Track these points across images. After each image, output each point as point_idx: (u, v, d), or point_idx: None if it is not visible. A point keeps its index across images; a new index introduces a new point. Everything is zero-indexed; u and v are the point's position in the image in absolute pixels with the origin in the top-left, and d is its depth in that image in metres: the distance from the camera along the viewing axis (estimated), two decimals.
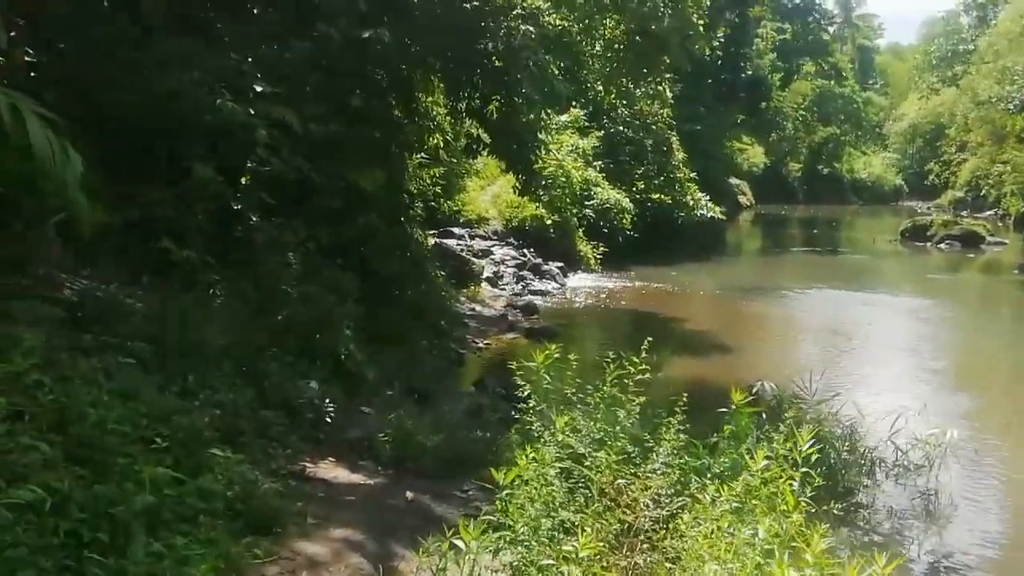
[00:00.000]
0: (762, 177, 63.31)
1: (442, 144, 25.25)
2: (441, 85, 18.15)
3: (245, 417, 7.28)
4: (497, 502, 5.95)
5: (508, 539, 5.16)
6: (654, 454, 5.65)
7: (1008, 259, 34.48)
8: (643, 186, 28.66)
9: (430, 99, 21.36)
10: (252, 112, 10.01)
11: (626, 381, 7.15)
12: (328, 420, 8.51)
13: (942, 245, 36.28)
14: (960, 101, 62.08)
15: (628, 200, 27.32)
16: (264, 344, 8.78)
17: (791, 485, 4.64)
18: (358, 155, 12.92)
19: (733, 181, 52.92)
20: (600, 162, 28.26)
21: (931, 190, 70.81)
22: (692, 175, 31.13)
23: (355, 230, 12.37)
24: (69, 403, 5.26)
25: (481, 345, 14.94)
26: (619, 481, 5.28)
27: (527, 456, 6.13)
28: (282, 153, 10.67)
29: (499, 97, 14.40)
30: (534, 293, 20.54)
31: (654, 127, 29.56)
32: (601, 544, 4.79)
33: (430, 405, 10.28)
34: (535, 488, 5.49)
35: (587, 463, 5.69)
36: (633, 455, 5.79)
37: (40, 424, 5.09)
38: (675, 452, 5.71)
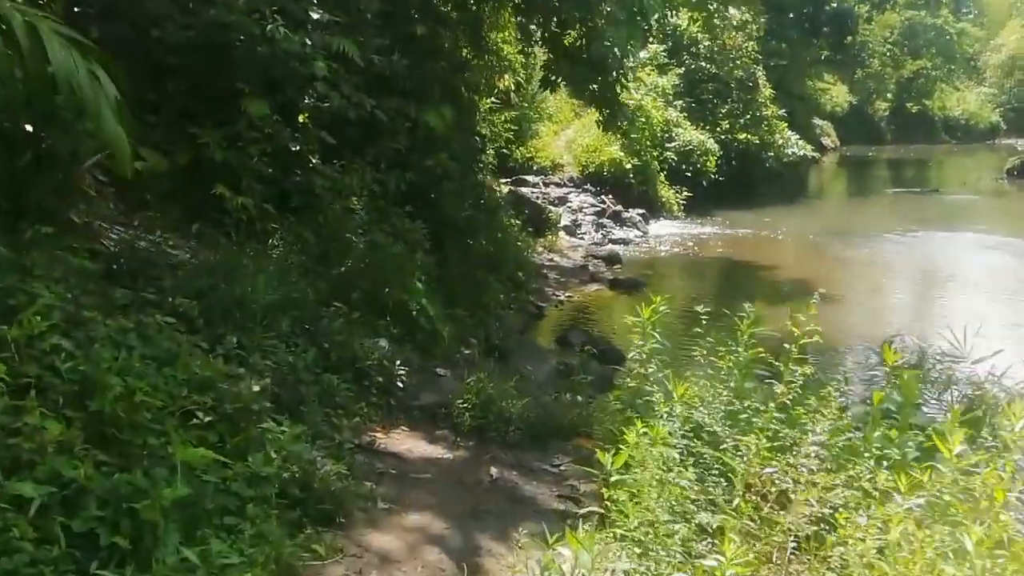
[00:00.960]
0: (846, 117, 60.73)
1: (513, 87, 24.27)
2: (513, 19, 17.10)
3: (305, 382, 6.41)
4: (603, 488, 5.01)
5: (624, 543, 4.21)
6: (804, 433, 4.56)
7: None
8: (727, 126, 27.10)
9: (500, 36, 20.36)
10: (308, 43, 9.08)
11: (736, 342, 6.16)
12: (400, 384, 7.62)
13: None
14: None
15: (712, 141, 25.85)
16: (326, 299, 7.92)
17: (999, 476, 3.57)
18: (424, 91, 11.93)
19: (816, 122, 50.66)
20: (681, 101, 26.78)
21: None
22: (781, 112, 29.43)
23: (424, 173, 11.39)
24: (90, 372, 4.42)
25: (562, 298, 13.96)
26: (767, 469, 4.23)
27: (637, 431, 5.16)
28: (342, 88, 9.73)
29: (579, 19, 13.20)
30: (615, 242, 19.42)
31: (738, 61, 27.86)
32: (753, 557, 3.78)
33: (511, 365, 9.37)
34: (653, 475, 4.51)
35: (723, 445, 4.66)
36: (782, 435, 4.72)
37: (55, 398, 4.27)
38: (832, 431, 4.62)
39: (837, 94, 61.24)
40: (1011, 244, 20.65)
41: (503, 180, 20.34)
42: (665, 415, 4.99)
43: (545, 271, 15.42)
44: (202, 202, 8.21)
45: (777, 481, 4.08)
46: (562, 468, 6.94)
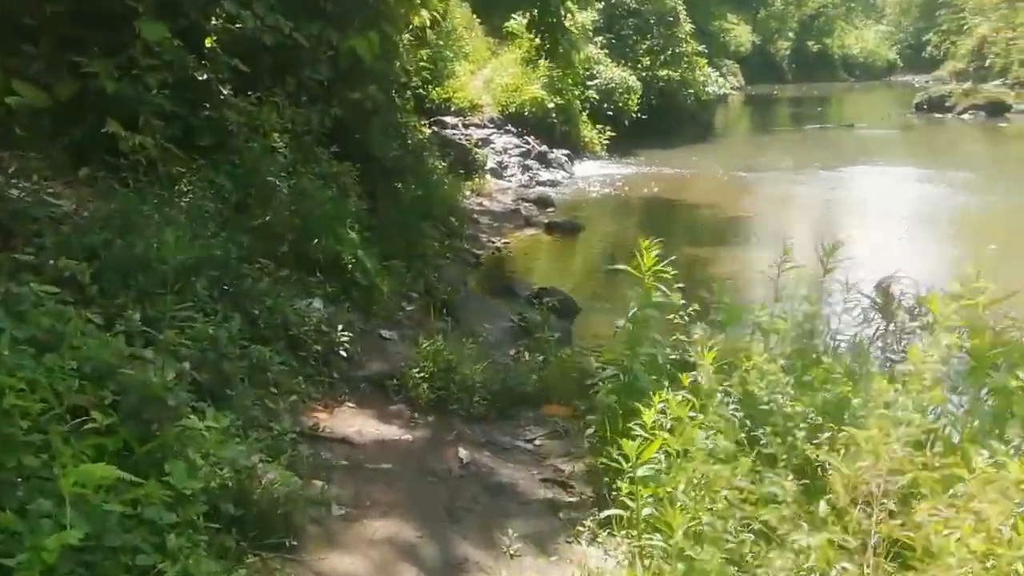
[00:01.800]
0: (749, 57, 60.45)
1: (428, 23, 22.72)
2: None
3: (230, 359, 5.16)
4: (623, 484, 3.98)
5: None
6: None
7: None
8: (648, 62, 26.08)
9: None
10: None
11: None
12: (343, 352, 6.43)
13: (965, 116, 34.25)
14: None
15: (634, 79, 24.81)
16: (249, 255, 6.62)
17: None
18: (346, 17, 10.52)
19: (723, 62, 50.11)
20: (601, 37, 25.60)
21: (927, 63, 68.33)
22: (701, 48, 28.54)
23: (350, 109, 10.05)
24: None
25: (498, 244, 12.84)
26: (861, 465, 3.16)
27: (654, 407, 4.12)
28: (255, 8, 8.34)
29: None
30: (542, 184, 18.33)
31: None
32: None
33: (462, 323, 8.24)
34: (700, 469, 3.48)
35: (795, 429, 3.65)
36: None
37: None
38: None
39: (740, 34, 60.84)
40: (939, 177, 20.28)
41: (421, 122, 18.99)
42: (701, 388, 3.94)
43: (476, 216, 14.26)
44: (91, 142, 6.82)
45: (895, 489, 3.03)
46: (538, 443, 5.89)
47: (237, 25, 8.11)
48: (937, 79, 59.46)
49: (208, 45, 8.01)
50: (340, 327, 6.56)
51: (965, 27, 62.09)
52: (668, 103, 26.30)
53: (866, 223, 15.23)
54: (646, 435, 4.01)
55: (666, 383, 4.62)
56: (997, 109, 34.43)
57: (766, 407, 3.94)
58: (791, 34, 68.35)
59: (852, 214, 16.23)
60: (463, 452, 5.42)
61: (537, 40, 22.41)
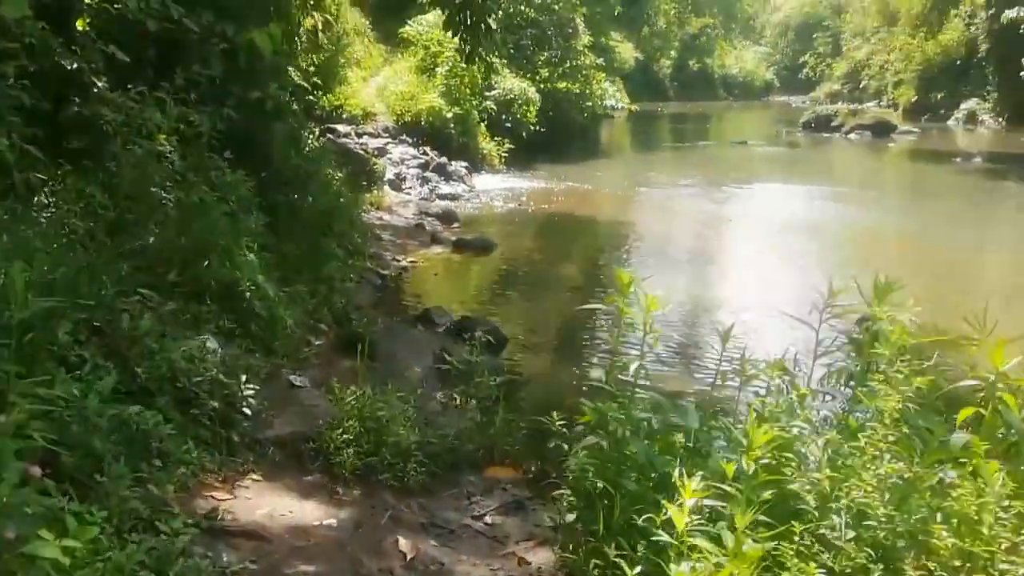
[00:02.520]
0: (633, 74, 60.91)
1: (320, 26, 21.36)
2: None
3: (99, 430, 3.93)
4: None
5: None
6: None
7: (929, 147, 33.40)
8: (547, 74, 25.32)
9: None
10: None
11: None
12: (245, 409, 5.21)
13: (852, 135, 35.19)
14: None
15: (533, 90, 23.98)
16: (128, 286, 5.34)
17: None
18: (243, 8, 9.26)
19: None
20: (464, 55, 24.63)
21: (803, 84, 70.56)
22: (599, 61, 28.00)
23: (247, 110, 8.77)
24: None
25: (404, 263, 11.68)
26: None
27: (684, 504, 3.20)
28: None
29: None
30: (443, 197, 17.22)
31: (556, 6, 26.03)
32: None
33: (380, 360, 7.08)
34: None
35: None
36: None
37: None
38: None
39: (624, 51, 61.25)
40: (845, 195, 20.21)
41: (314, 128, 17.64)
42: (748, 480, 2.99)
43: (378, 232, 13.05)
44: None
45: None
46: (490, 520, 4.84)
47: (115, 6, 6.80)
48: (813, 100, 61.59)
49: (80, 28, 6.66)
50: (243, 376, 5.33)
51: (844, 49, 64.12)
52: (563, 117, 25.61)
53: (782, 242, 14.78)
54: (674, 542, 3.05)
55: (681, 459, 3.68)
56: (883, 129, 35.41)
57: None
58: (673, 53, 69.33)
59: (770, 232, 15.75)
60: (404, 543, 4.31)
61: (449, 43, 21.58)
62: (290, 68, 12.79)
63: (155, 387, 4.83)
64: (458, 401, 6.48)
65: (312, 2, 18.04)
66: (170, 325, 5.50)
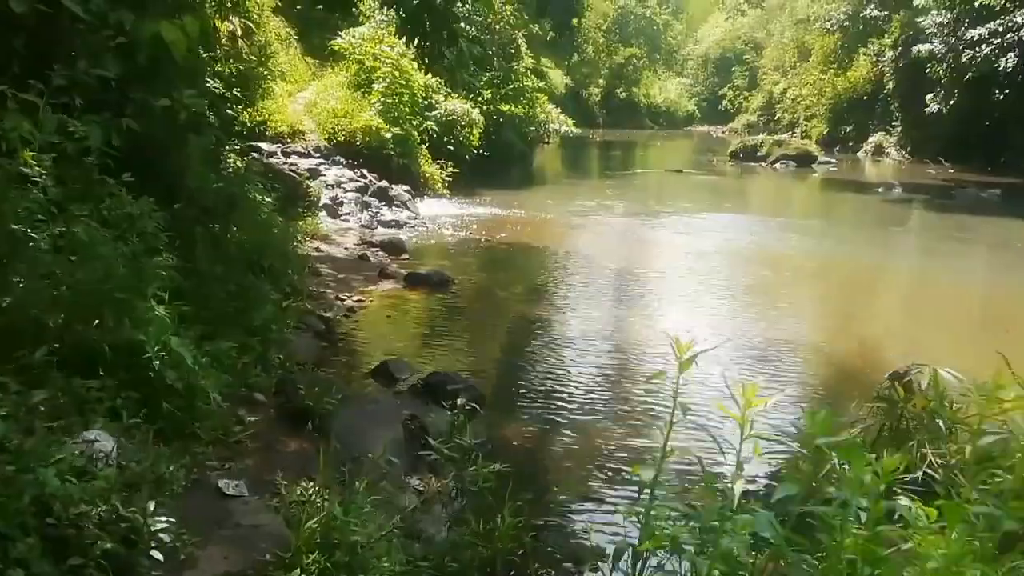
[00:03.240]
0: (563, 100, 60.22)
1: (240, 32, 19.39)
2: None
3: None
4: None
5: None
6: None
7: (850, 177, 33.76)
8: (489, 96, 23.76)
9: None
10: None
11: None
12: (152, 548, 3.40)
13: (777, 165, 35.50)
14: (775, 19, 62.69)
15: (477, 112, 22.40)
16: None
17: None
18: None
19: None
20: (422, 67, 22.99)
21: (722, 115, 71.39)
22: (541, 84, 26.58)
23: (152, 121, 6.93)
24: None
25: (350, 303, 9.87)
26: None
27: None
28: None
29: None
30: (386, 225, 15.43)
31: (498, 26, 24.54)
32: None
33: (331, 435, 5.30)
34: None
35: None
36: None
37: None
38: None
39: (555, 77, 60.48)
40: (798, 225, 19.24)
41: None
42: None
43: (316, 265, 11.22)
44: None
45: None
46: None
47: None
48: (732, 130, 62.71)
49: None
50: (149, 493, 3.53)
51: (760, 83, 65.03)
52: (502, 140, 24.12)
53: (756, 277, 13.52)
54: None
55: None
56: (805, 160, 36.02)
57: None
58: (602, 81, 69.18)
59: (739, 265, 14.46)
60: None
61: (386, 57, 19.83)
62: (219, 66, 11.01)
63: (12, 527, 3.03)
64: (440, 489, 4.77)
65: (230, 4, 16.13)
66: (39, 417, 3.70)
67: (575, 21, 53.38)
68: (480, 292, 11.23)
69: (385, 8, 20.15)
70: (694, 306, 11.11)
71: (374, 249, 12.89)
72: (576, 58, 64.81)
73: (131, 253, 5.57)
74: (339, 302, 9.75)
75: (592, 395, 7.52)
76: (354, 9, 12.41)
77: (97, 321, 4.77)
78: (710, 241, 16.19)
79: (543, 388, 7.59)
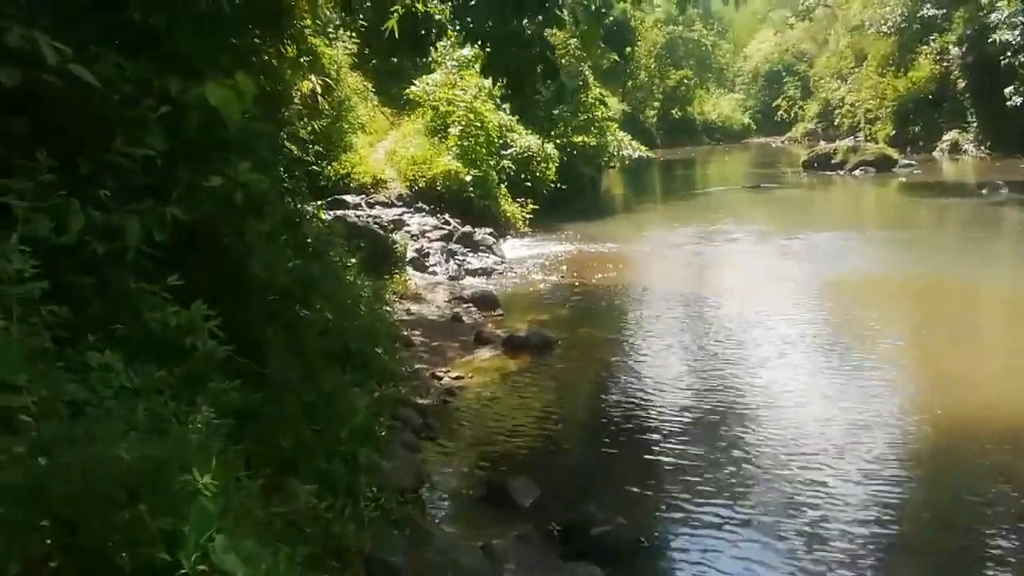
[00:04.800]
0: (622, 125, 58.22)
1: (320, 89, 17.91)
2: None
3: None
4: None
5: None
6: None
7: (939, 178, 30.39)
8: (563, 128, 21.85)
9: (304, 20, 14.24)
10: None
11: None
12: None
13: (856, 172, 32.04)
14: (826, 28, 60.21)
15: (552, 146, 20.53)
16: None
17: None
18: (199, 57, 5.71)
19: None
20: (510, 104, 21.21)
21: (778, 126, 68.45)
22: (611, 113, 24.58)
23: (204, 205, 5.14)
24: None
25: (447, 381, 8.00)
26: None
27: None
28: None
29: None
30: (475, 273, 13.59)
31: (564, 60, 22.61)
32: None
33: None
34: None
35: None
36: None
37: None
38: None
39: (612, 104, 58.58)
40: (906, 239, 16.58)
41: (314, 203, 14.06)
42: None
43: (407, 331, 9.40)
44: None
45: None
46: None
47: None
48: (791, 139, 60.03)
49: None
50: None
51: (813, 91, 62.27)
52: (572, 171, 22.15)
53: (904, 308, 11.16)
54: None
55: None
56: (885, 164, 32.52)
57: None
58: (656, 103, 66.99)
59: (875, 295, 12.08)
60: None
61: (460, 101, 18.13)
62: (284, 136, 9.35)
63: None
64: None
65: (307, 62, 14.62)
66: None
67: (628, 50, 51.70)
68: (587, 356, 9.23)
69: (468, 46, 18.68)
70: (854, 364, 8.76)
71: (466, 305, 11.03)
72: (630, 84, 62.94)
73: (170, 396, 3.79)
74: (436, 382, 7.89)
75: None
76: (431, 52, 10.62)
77: (107, 521, 2.96)
78: (819, 268, 13.85)
79: (708, 519, 5.48)
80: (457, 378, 8.07)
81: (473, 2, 8.16)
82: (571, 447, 6.85)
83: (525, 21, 7.56)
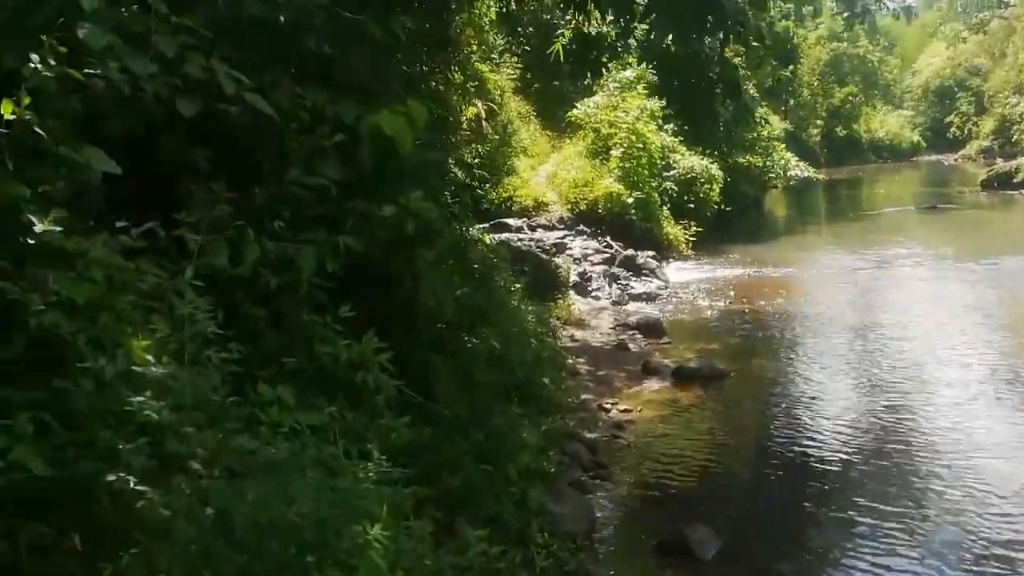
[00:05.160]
0: (784, 143, 55.94)
1: (484, 114, 17.96)
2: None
3: None
4: None
5: None
6: None
7: None
8: (726, 148, 20.92)
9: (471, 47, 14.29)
10: None
11: None
12: None
13: None
14: (1002, 41, 55.67)
15: (716, 167, 19.69)
16: None
17: None
18: (374, 85, 5.57)
19: None
20: (672, 124, 20.52)
21: (949, 143, 63.60)
22: (777, 132, 23.41)
23: (376, 235, 4.92)
24: None
25: (617, 415, 7.50)
26: None
27: None
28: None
29: None
30: (638, 298, 13.00)
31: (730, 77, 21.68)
32: None
33: None
34: None
35: None
36: None
37: None
38: None
39: (773, 122, 56.24)
40: None
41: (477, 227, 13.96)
42: None
43: (571, 358, 8.98)
44: None
45: None
46: None
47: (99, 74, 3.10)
48: (964, 157, 55.78)
49: (11, 113, 2.92)
50: None
51: (993, 107, 57.57)
52: (735, 191, 21.12)
53: None
54: None
55: None
56: None
57: None
58: (819, 121, 63.83)
59: None
60: None
61: (622, 123, 17.70)
62: (452, 162, 9.23)
63: None
64: None
65: (473, 88, 14.65)
66: None
67: (791, 67, 49.61)
68: (761, 389, 8.47)
69: (630, 67, 18.23)
70: None
71: (631, 332, 10.48)
72: (792, 103, 60.31)
73: (340, 433, 3.54)
74: (603, 414, 7.42)
75: None
76: (602, 74, 10.25)
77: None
78: (1010, 296, 12.37)
79: None
80: (626, 411, 7.55)
81: (646, 23, 7.73)
82: (751, 491, 6.20)
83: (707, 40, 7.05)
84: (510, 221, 16.74)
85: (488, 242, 10.59)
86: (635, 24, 7.68)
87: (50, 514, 2.33)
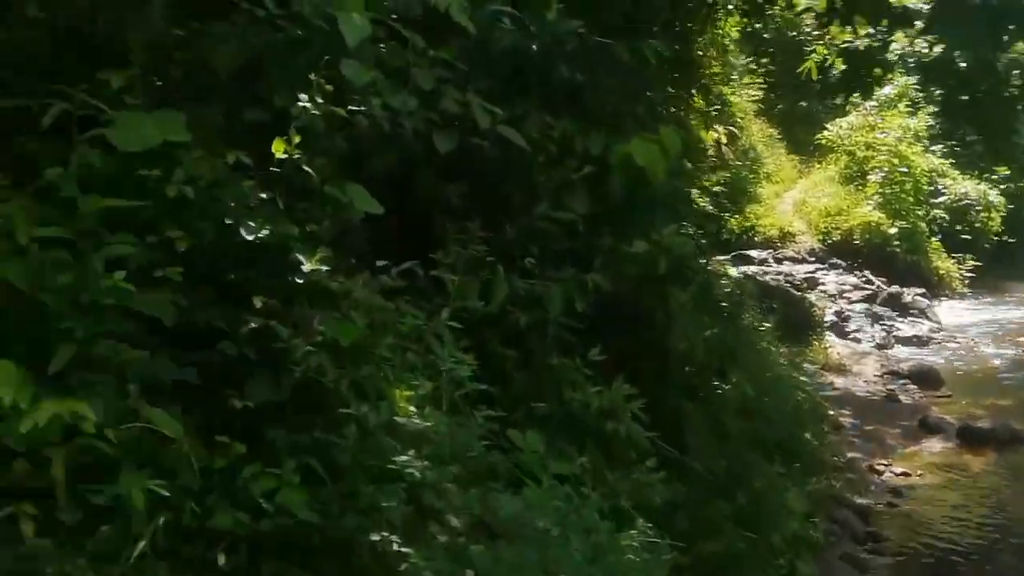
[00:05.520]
0: None
1: (725, 139, 17.45)
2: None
3: None
4: None
5: None
6: None
7: None
8: (1007, 171, 18.88)
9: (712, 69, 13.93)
10: None
11: None
12: None
13: None
14: None
15: (995, 193, 17.87)
16: None
17: None
18: (620, 112, 5.48)
19: None
20: (941, 146, 18.86)
21: None
22: None
23: (622, 271, 4.75)
24: None
25: (892, 478, 6.79)
26: None
27: None
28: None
29: None
30: (905, 342, 11.88)
31: (1009, 89, 19.59)
32: None
33: None
34: None
35: None
36: None
37: None
38: None
39: None
40: None
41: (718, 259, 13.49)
42: None
43: (833, 410, 8.29)
44: None
45: None
46: None
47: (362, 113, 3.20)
48: None
49: (285, 151, 3.06)
50: None
51: None
52: (1017, 218, 18.90)
53: None
54: None
55: None
56: None
57: None
58: None
59: None
60: None
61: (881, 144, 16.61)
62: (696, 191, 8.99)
63: None
64: None
65: (715, 112, 14.25)
66: None
67: None
68: None
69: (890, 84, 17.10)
70: None
71: (902, 381, 9.57)
72: None
73: (590, 486, 3.39)
74: (875, 476, 6.74)
75: None
76: (873, 92, 9.60)
77: None
78: None
79: None
80: (903, 474, 6.83)
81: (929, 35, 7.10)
82: None
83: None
84: (752, 253, 16.03)
85: (733, 276, 10.15)
86: (913, 35, 7.06)
87: (313, 563, 2.35)
